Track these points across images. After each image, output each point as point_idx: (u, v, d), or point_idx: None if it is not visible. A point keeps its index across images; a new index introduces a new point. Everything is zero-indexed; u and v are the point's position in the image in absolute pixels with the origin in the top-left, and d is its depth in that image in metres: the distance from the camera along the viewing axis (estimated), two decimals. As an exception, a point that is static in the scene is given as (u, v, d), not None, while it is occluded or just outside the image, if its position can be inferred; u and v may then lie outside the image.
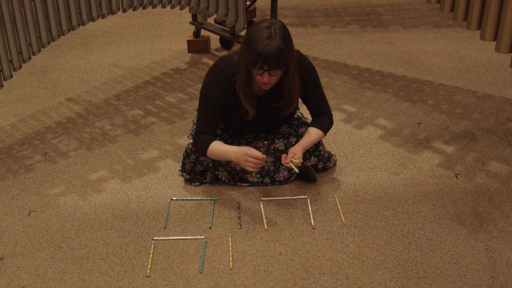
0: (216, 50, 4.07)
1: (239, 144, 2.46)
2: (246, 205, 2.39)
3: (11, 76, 2.61)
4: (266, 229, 2.25)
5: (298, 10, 4.95)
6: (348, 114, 3.11)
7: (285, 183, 2.52)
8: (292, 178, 2.52)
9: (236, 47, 2.37)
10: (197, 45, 4.01)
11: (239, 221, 2.29)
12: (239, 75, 2.21)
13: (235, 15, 3.16)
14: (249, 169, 2.20)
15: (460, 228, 2.24)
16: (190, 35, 4.06)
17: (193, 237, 2.20)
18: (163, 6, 3.06)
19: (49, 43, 2.67)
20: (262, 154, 2.33)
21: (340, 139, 2.86)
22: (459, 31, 4.40)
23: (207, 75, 2.32)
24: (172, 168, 2.65)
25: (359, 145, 2.82)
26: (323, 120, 2.44)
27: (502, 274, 2.01)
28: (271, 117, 2.42)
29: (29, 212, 2.36)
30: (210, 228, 2.26)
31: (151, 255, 2.10)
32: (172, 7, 3.07)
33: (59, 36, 2.69)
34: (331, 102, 3.18)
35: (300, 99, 2.42)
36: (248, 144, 2.49)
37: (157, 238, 2.20)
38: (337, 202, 2.39)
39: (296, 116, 2.58)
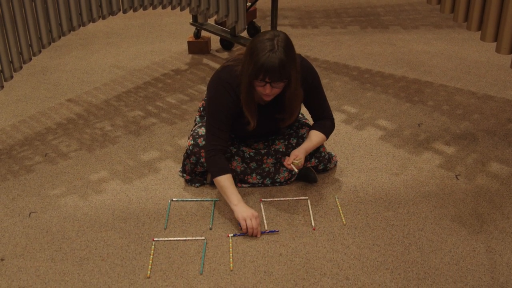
0: (217, 51, 4.07)
1: (239, 146, 2.45)
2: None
3: (12, 77, 2.61)
4: (266, 230, 2.24)
5: (299, 11, 4.95)
6: (349, 115, 3.11)
7: (286, 184, 2.51)
8: (292, 179, 2.52)
9: (237, 52, 2.36)
10: (197, 46, 4.01)
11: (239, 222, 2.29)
12: (241, 86, 2.21)
13: (236, 16, 3.16)
14: (242, 223, 2.18)
15: (460, 229, 2.24)
16: (191, 36, 4.06)
17: (194, 238, 2.20)
18: (164, 7, 3.06)
19: (49, 44, 2.67)
20: (263, 153, 2.35)
21: (340, 140, 2.86)
22: (459, 32, 4.40)
23: (213, 87, 2.29)
24: (172, 169, 2.65)
25: (359, 146, 2.82)
26: (326, 123, 2.45)
27: (503, 275, 2.01)
28: (272, 126, 2.42)
29: (30, 213, 2.36)
30: (210, 229, 2.26)
31: (151, 256, 2.10)
32: (173, 8, 3.07)
33: (59, 37, 2.69)
34: (332, 103, 3.19)
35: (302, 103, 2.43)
36: (248, 146, 2.49)
37: (158, 239, 2.20)
38: (338, 203, 2.39)
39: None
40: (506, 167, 2.63)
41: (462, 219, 2.29)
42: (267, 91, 2.15)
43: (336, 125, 2.70)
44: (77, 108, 3.25)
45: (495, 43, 2.54)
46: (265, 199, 2.42)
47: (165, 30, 4.54)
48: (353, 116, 3.11)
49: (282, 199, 2.43)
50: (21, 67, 2.62)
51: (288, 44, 2.12)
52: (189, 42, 4.02)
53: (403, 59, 3.89)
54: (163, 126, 3.03)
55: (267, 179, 2.48)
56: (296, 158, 2.31)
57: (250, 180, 2.48)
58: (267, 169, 2.46)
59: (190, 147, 2.43)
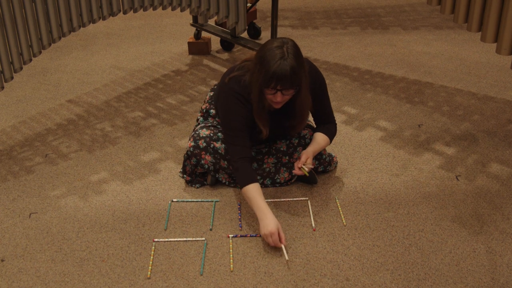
0: (217, 51, 4.07)
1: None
2: (247, 207, 2.39)
3: (12, 78, 2.61)
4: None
5: (299, 12, 4.95)
6: (349, 116, 3.11)
7: (286, 185, 2.51)
8: (292, 180, 2.52)
9: (240, 61, 2.35)
10: (198, 47, 4.01)
11: (239, 222, 2.29)
12: (252, 96, 2.20)
13: (236, 17, 3.16)
14: (266, 239, 2.14)
15: (460, 229, 2.24)
16: (191, 37, 4.06)
17: (194, 239, 2.20)
18: (164, 8, 3.06)
19: (50, 44, 2.67)
20: (264, 152, 2.38)
21: (340, 141, 2.86)
22: (459, 33, 4.40)
23: (225, 100, 2.27)
24: (172, 169, 2.65)
25: (359, 146, 2.82)
26: (331, 128, 2.46)
27: (503, 275, 2.01)
28: (281, 133, 2.43)
29: (30, 214, 2.36)
30: (210, 229, 2.26)
31: (151, 257, 2.10)
32: (173, 9, 3.08)
33: (59, 38, 2.69)
34: (332, 104, 3.17)
35: None
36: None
37: (158, 239, 2.20)
38: (338, 204, 2.39)
39: None
40: (506, 168, 2.63)
41: (463, 220, 2.29)
42: (278, 99, 2.14)
43: (336, 126, 2.68)
44: (77, 109, 3.25)
45: (496, 44, 2.54)
46: (266, 200, 2.41)
47: (166, 31, 4.54)
48: (354, 117, 3.11)
49: (282, 199, 2.42)
50: (21, 68, 2.62)
51: (297, 51, 2.11)
52: (189, 43, 4.02)
53: (403, 60, 3.89)
54: (164, 127, 3.03)
55: (267, 179, 2.48)
56: (307, 160, 2.31)
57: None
58: (267, 169, 2.46)
59: (191, 149, 2.42)
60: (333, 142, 2.83)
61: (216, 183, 2.52)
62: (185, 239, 2.20)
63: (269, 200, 2.41)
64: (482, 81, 3.54)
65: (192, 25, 4.02)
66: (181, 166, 2.62)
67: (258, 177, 2.46)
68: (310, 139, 2.46)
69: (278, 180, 2.49)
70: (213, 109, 2.52)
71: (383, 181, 2.55)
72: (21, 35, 2.54)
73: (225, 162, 2.41)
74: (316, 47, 4.14)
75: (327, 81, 3.52)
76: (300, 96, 2.19)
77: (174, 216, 2.34)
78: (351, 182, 2.54)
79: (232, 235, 2.21)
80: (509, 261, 2.08)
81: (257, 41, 4.08)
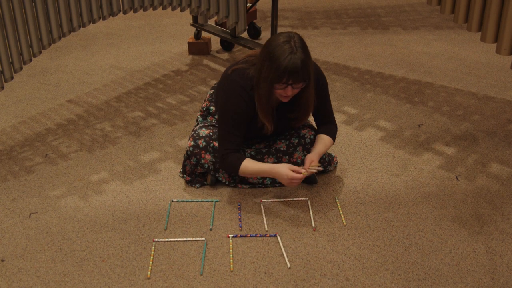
0: (217, 52, 4.07)
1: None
2: (247, 207, 2.39)
3: (12, 78, 2.61)
4: (267, 231, 2.25)
5: (299, 12, 4.95)
6: (349, 116, 3.12)
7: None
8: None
9: (244, 55, 2.35)
10: (198, 47, 4.01)
11: (239, 222, 2.29)
12: (259, 92, 2.19)
13: (236, 17, 3.16)
14: (292, 186, 2.26)
15: (460, 230, 2.24)
16: (191, 37, 4.06)
17: (194, 239, 2.20)
18: (164, 8, 3.06)
19: (50, 44, 2.67)
20: (264, 152, 2.39)
21: (340, 141, 2.86)
22: (459, 33, 4.40)
23: (225, 91, 2.27)
24: (172, 169, 2.65)
25: (359, 146, 2.82)
26: (332, 129, 2.46)
27: (503, 276, 2.01)
28: (284, 127, 2.43)
29: (30, 214, 2.36)
30: (210, 229, 2.26)
31: (151, 257, 2.10)
32: (173, 9, 3.08)
33: (59, 38, 2.69)
34: (332, 104, 3.18)
35: None
36: (249, 146, 2.49)
37: (158, 239, 2.20)
38: (338, 204, 2.39)
39: None
40: (506, 168, 2.63)
41: (463, 220, 2.29)
42: (289, 93, 2.15)
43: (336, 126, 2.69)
44: (77, 109, 3.25)
45: (496, 44, 2.54)
46: (266, 200, 2.42)
47: (165, 31, 4.54)
48: (354, 117, 3.11)
49: (282, 199, 2.43)
50: (21, 68, 2.62)
51: (304, 44, 2.13)
52: (189, 43, 4.02)
53: (403, 60, 3.89)
54: (163, 127, 3.03)
55: (267, 179, 2.48)
56: (312, 163, 2.31)
57: (251, 180, 2.48)
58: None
59: (191, 148, 2.42)
60: (333, 142, 2.83)
61: (216, 183, 2.52)
62: (185, 239, 2.20)
63: (269, 200, 2.42)
64: (482, 81, 3.54)
65: (192, 25, 4.02)
66: (181, 166, 2.62)
67: (258, 177, 2.46)
68: (310, 139, 2.46)
69: (278, 180, 2.49)
70: (213, 106, 2.52)
71: (383, 181, 2.55)
72: (21, 35, 2.54)
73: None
74: (316, 47, 4.14)
75: (327, 81, 3.53)
76: (308, 88, 2.20)
77: (174, 216, 2.34)
78: (351, 182, 2.54)
79: (232, 235, 2.21)
80: (509, 261, 2.08)
81: (257, 41, 4.07)
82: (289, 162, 2.47)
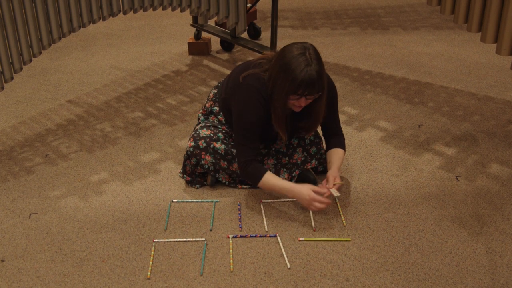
0: (217, 52, 4.07)
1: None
2: (247, 207, 2.39)
3: (12, 78, 2.61)
4: (267, 231, 2.25)
5: (299, 12, 4.95)
6: (349, 116, 3.12)
7: (286, 185, 2.52)
8: (293, 181, 2.51)
9: (255, 57, 2.34)
10: (198, 47, 4.01)
11: (239, 223, 2.29)
12: (274, 103, 2.19)
13: (236, 17, 3.16)
14: (313, 208, 2.21)
15: (460, 230, 2.24)
16: (191, 37, 4.06)
17: (194, 239, 2.20)
18: (164, 8, 3.06)
19: (50, 45, 2.67)
20: (264, 153, 2.38)
21: (340, 141, 2.86)
22: (459, 33, 4.40)
23: (242, 96, 2.25)
24: (172, 170, 2.65)
25: (359, 147, 2.82)
26: (342, 141, 2.46)
27: (503, 276, 2.01)
28: (293, 134, 2.43)
29: (30, 214, 2.36)
30: (210, 230, 2.26)
31: (151, 257, 2.10)
32: (173, 9, 3.08)
33: (60, 38, 2.69)
34: (332, 104, 3.19)
35: None
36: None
37: (158, 240, 2.20)
38: (338, 204, 2.39)
39: None
40: (506, 169, 2.63)
41: (462, 221, 2.29)
42: (302, 103, 2.16)
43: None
44: (77, 109, 3.25)
45: (496, 45, 2.54)
46: (266, 200, 2.42)
47: (165, 31, 4.54)
48: (354, 117, 3.11)
49: (282, 200, 2.42)
50: (21, 68, 2.62)
51: (318, 55, 2.13)
52: (189, 43, 4.02)
53: (403, 61, 3.89)
54: (163, 127, 3.03)
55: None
56: (336, 180, 2.29)
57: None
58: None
59: (191, 149, 2.42)
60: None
61: (216, 184, 2.52)
62: (185, 239, 2.20)
63: (269, 200, 2.42)
64: (482, 82, 3.54)
65: (192, 25, 4.02)
66: (181, 166, 2.62)
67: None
68: (310, 140, 2.46)
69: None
70: (217, 106, 2.51)
71: (383, 181, 2.55)
72: (21, 36, 2.55)
73: (225, 163, 2.41)
74: (316, 47, 4.12)
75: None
76: (321, 99, 2.20)
77: (174, 217, 2.34)
78: (351, 183, 2.54)
79: (232, 236, 2.21)
80: (509, 261, 2.08)
81: (257, 41, 4.08)
82: (288, 163, 2.47)
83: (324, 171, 2.59)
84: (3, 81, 2.59)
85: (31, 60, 2.64)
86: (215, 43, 4.15)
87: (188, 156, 2.48)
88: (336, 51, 4.08)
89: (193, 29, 4.09)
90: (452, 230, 2.24)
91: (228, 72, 3.70)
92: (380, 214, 2.34)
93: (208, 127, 2.45)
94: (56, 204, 2.42)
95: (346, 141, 2.85)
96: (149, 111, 3.20)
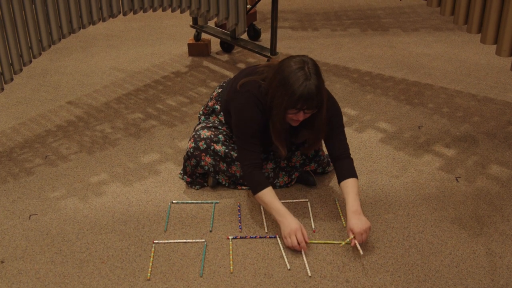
0: (217, 53, 4.07)
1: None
2: (247, 208, 2.39)
3: (12, 79, 2.61)
4: (266, 232, 2.24)
5: (299, 13, 4.95)
6: (349, 117, 3.12)
7: (286, 187, 2.51)
8: (292, 183, 2.51)
9: (257, 65, 2.33)
10: (197, 49, 4.02)
11: (239, 224, 2.29)
12: (273, 117, 2.18)
13: (236, 18, 3.16)
14: (285, 241, 2.13)
15: (460, 231, 2.24)
16: (191, 38, 4.06)
17: (194, 240, 2.20)
18: (164, 10, 3.06)
19: (49, 46, 2.67)
20: (263, 158, 2.36)
21: (340, 142, 2.86)
22: (459, 34, 4.40)
23: (241, 101, 2.24)
24: (172, 171, 2.65)
25: (359, 148, 2.82)
26: (352, 165, 2.31)
27: (503, 277, 2.01)
28: (290, 144, 2.43)
29: (30, 216, 2.36)
30: (210, 231, 2.26)
31: (151, 258, 2.10)
32: (173, 10, 3.08)
33: (59, 40, 2.69)
34: (332, 105, 3.19)
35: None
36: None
37: (158, 241, 2.20)
38: (338, 206, 2.39)
39: None
40: (506, 170, 2.63)
41: (462, 222, 2.29)
42: (300, 118, 2.14)
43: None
44: (77, 110, 3.25)
45: (495, 46, 2.54)
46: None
47: (165, 32, 4.54)
48: (353, 118, 3.11)
49: (282, 201, 2.41)
50: (21, 70, 2.62)
51: (317, 69, 2.11)
52: (189, 45, 4.02)
53: (403, 62, 3.89)
54: (163, 129, 3.03)
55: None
56: (358, 238, 2.12)
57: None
58: (266, 174, 2.45)
59: (191, 150, 2.42)
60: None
61: (216, 185, 2.52)
62: (185, 240, 2.20)
63: (269, 201, 2.41)
64: (482, 83, 3.54)
65: (192, 26, 4.02)
66: (181, 167, 2.62)
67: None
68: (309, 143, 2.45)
69: (277, 185, 2.49)
70: (219, 105, 2.51)
71: (383, 182, 2.55)
72: (21, 37, 2.55)
73: (224, 165, 2.41)
74: (316, 48, 4.14)
75: (327, 83, 3.50)
76: (320, 113, 2.18)
77: (174, 218, 2.34)
78: (351, 184, 2.54)
79: (232, 237, 2.21)
80: (509, 262, 2.08)
81: (257, 42, 4.08)
82: (287, 166, 2.47)
83: (324, 172, 2.59)
84: (3, 82, 2.59)
85: (31, 61, 2.64)
86: (215, 44, 4.16)
87: (188, 157, 2.48)
88: (336, 52, 4.08)
89: (193, 30, 4.09)
90: (452, 231, 2.24)
91: (227, 73, 3.70)
92: (380, 215, 2.34)
93: (209, 128, 2.45)
94: (56, 205, 2.42)
95: (346, 142, 2.85)
96: (149, 112, 3.20)
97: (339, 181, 2.27)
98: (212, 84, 3.55)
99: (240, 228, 2.27)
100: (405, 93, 3.41)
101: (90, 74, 3.75)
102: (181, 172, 2.58)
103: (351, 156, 2.35)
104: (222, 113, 2.48)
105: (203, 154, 2.40)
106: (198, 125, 2.54)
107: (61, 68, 3.86)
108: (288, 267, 2.05)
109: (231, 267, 2.06)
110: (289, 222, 2.14)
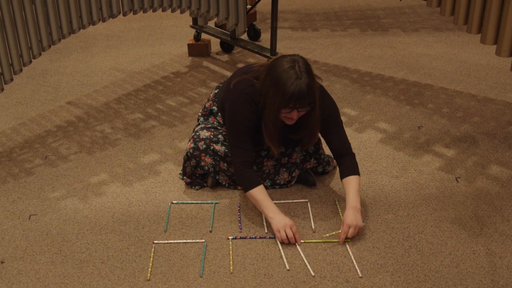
0: (217, 53, 4.07)
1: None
2: (247, 209, 2.39)
3: (12, 80, 2.61)
4: (266, 233, 2.24)
5: (299, 13, 4.95)
6: (349, 118, 3.12)
7: (286, 187, 2.51)
8: (292, 182, 2.51)
9: (254, 64, 2.34)
10: (197, 49, 4.02)
11: (239, 224, 2.29)
12: (265, 118, 2.18)
13: (236, 18, 3.16)
14: (277, 235, 2.16)
15: (460, 231, 2.24)
16: (191, 39, 4.06)
17: (194, 241, 2.20)
18: (164, 10, 3.07)
19: (49, 46, 2.67)
20: (263, 155, 2.38)
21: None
22: (459, 34, 4.40)
23: (235, 100, 2.26)
24: (172, 171, 2.65)
25: (359, 148, 2.82)
26: (354, 162, 2.33)
27: (503, 277, 2.01)
28: (287, 142, 2.43)
29: (30, 216, 2.36)
30: (210, 231, 2.26)
31: (151, 259, 2.10)
32: (173, 10, 3.08)
33: (59, 40, 2.69)
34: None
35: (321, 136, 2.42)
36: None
37: (158, 241, 2.20)
38: (338, 206, 2.39)
39: None
40: (506, 170, 2.63)
41: (462, 222, 2.29)
42: (294, 116, 2.15)
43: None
44: (77, 110, 3.25)
45: (495, 46, 2.54)
46: (265, 202, 2.42)
47: (165, 32, 4.54)
48: (353, 118, 3.11)
49: (282, 201, 2.42)
50: (21, 70, 2.62)
51: (308, 67, 2.12)
52: (189, 45, 4.02)
53: (403, 62, 3.89)
54: (163, 129, 3.03)
55: (267, 180, 2.48)
56: (348, 234, 2.16)
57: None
58: (267, 170, 2.46)
59: (191, 150, 2.42)
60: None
61: (216, 185, 2.52)
62: (184, 241, 2.20)
63: (269, 202, 2.41)
64: (482, 83, 3.54)
65: (192, 27, 4.02)
66: (181, 168, 2.62)
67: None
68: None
69: (278, 181, 2.49)
70: (216, 106, 2.51)
71: (383, 182, 2.55)
72: (21, 37, 2.55)
73: (225, 164, 2.41)
74: (316, 48, 4.14)
75: (327, 83, 3.53)
76: (314, 111, 2.19)
77: (173, 218, 2.34)
78: (351, 184, 2.54)
79: (232, 237, 2.21)
80: (509, 263, 2.08)
81: (257, 43, 4.08)
82: (288, 162, 2.47)
83: (324, 172, 2.59)
84: (3, 83, 2.59)
85: (31, 62, 2.64)
86: (215, 45, 4.16)
87: (188, 158, 2.48)
88: (336, 52, 4.08)
89: (193, 31, 4.09)
90: (452, 231, 2.24)
91: (227, 73, 3.70)
92: (380, 215, 2.34)
93: (208, 129, 2.45)
94: (56, 205, 2.42)
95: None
96: (149, 113, 3.20)
97: (342, 177, 2.30)
98: (212, 84, 3.55)
99: (240, 229, 2.26)
100: (405, 93, 3.41)
101: (90, 74, 3.75)
102: (181, 172, 2.58)
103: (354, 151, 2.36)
104: (219, 114, 2.48)
105: (203, 154, 2.40)
106: (197, 126, 2.54)
107: (61, 68, 3.86)
108: (288, 267, 2.05)
109: (231, 267, 2.06)
110: (281, 219, 2.18)
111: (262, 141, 2.29)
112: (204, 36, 4.14)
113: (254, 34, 4.21)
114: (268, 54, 3.56)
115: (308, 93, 2.07)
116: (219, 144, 2.40)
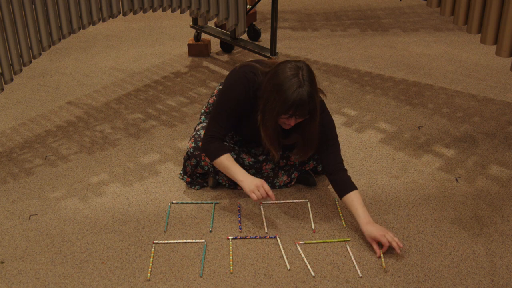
0: (217, 53, 4.07)
1: (239, 153, 2.43)
2: (247, 209, 2.39)
3: (12, 80, 2.61)
4: (266, 233, 2.24)
5: (299, 13, 4.95)
6: (349, 118, 3.12)
7: (286, 187, 2.51)
8: (292, 183, 2.51)
9: (259, 59, 2.34)
10: (197, 49, 4.02)
11: (239, 224, 2.29)
12: (265, 122, 2.18)
13: (236, 18, 3.16)
14: (252, 195, 2.19)
15: (460, 231, 2.24)
16: (191, 39, 4.06)
17: (194, 241, 2.20)
18: (164, 10, 3.07)
19: (49, 46, 2.67)
20: (261, 160, 2.38)
21: (340, 143, 2.85)
22: (459, 34, 4.40)
23: (232, 76, 2.29)
24: (172, 171, 2.65)
25: (359, 148, 2.82)
26: (348, 178, 2.29)
27: (503, 278, 2.01)
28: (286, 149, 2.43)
29: (30, 216, 2.36)
30: (210, 231, 2.26)
31: (151, 259, 2.10)
32: (173, 10, 3.08)
33: (59, 40, 2.69)
34: (332, 106, 3.19)
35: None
36: (247, 153, 2.47)
37: (158, 241, 2.20)
38: (338, 206, 2.39)
39: None
40: (506, 170, 2.63)
41: (462, 222, 2.29)
42: (292, 122, 2.16)
43: (336, 128, 2.70)
44: (77, 110, 3.25)
45: (495, 46, 2.54)
46: (265, 202, 2.42)
47: (165, 32, 4.54)
48: (353, 118, 3.11)
49: (282, 201, 2.42)
50: (21, 70, 2.62)
51: (311, 75, 2.11)
52: (189, 45, 4.02)
53: (403, 62, 3.89)
54: (163, 129, 3.03)
55: (266, 183, 2.47)
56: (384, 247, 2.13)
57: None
58: (266, 174, 2.46)
59: (191, 150, 2.42)
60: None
61: (216, 185, 2.52)
62: (184, 241, 2.20)
63: (269, 202, 2.42)
64: (482, 83, 3.54)
65: (192, 27, 4.02)
66: (181, 167, 2.62)
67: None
68: None
69: (277, 184, 2.49)
70: None
71: (383, 183, 2.55)
72: (21, 37, 2.55)
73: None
74: (316, 49, 4.14)
75: (327, 83, 3.53)
76: (314, 119, 2.18)
77: (173, 218, 2.34)
78: (351, 184, 2.54)
79: (232, 237, 2.21)
80: (508, 263, 2.08)
81: (257, 43, 4.08)
82: (286, 165, 2.47)
83: (323, 172, 2.58)
84: (3, 83, 2.59)
85: (31, 62, 2.64)
86: (215, 45, 4.16)
87: (188, 157, 2.48)
88: (336, 52, 4.08)
89: (193, 31, 4.09)
90: (452, 231, 2.24)
91: (227, 73, 3.69)
92: (380, 215, 2.34)
93: (208, 128, 2.45)
94: (56, 205, 2.42)
95: (346, 143, 2.85)
96: (149, 113, 3.20)
97: (341, 196, 2.26)
98: (212, 85, 3.55)
99: (240, 229, 2.27)
100: (405, 94, 3.41)
101: (90, 74, 3.75)
102: (181, 172, 2.58)
103: (348, 163, 2.37)
104: None
105: (203, 154, 2.40)
106: (198, 125, 2.54)
107: (61, 68, 3.86)
108: (288, 267, 2.05)
109: (231, 267, 2.06)
110: (251, 180, 2.21)
111: (258, 143, 2.29)
112: (204, 36, 4.14)
113: (254, 34, 4.21)
114: (268, 54, 3.55)
115: (309, 102, 2.07)
116: (229, 146, 2.40)
